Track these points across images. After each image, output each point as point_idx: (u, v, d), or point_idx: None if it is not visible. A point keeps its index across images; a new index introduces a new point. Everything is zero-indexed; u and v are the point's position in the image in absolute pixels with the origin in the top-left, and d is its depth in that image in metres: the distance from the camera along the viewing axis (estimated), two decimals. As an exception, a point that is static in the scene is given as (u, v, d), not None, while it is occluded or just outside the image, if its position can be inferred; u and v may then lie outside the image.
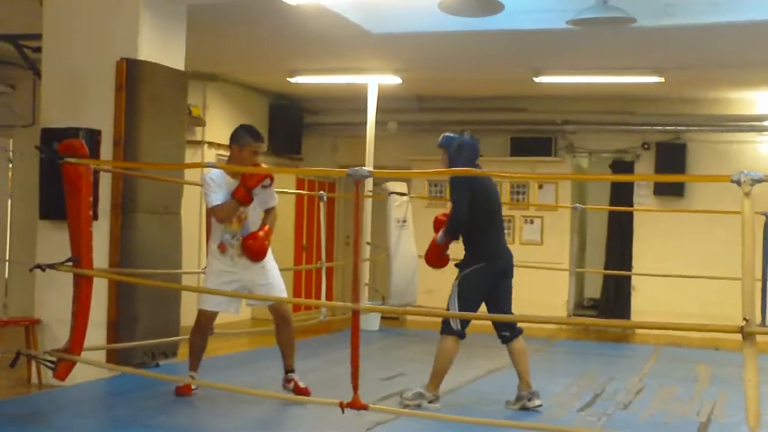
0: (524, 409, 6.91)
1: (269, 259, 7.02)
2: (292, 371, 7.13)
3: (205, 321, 7.05)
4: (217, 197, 6.75)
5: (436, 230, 7.14)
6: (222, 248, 6.89)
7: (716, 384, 8.58)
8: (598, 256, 14.51)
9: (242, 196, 6.66)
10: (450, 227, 6.94)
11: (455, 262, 7.07)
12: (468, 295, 6.82)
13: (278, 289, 7.10)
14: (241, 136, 6.97)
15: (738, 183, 4.66)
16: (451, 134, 7.15)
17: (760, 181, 4.63)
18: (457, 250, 7.09)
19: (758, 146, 13.00)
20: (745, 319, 4.61)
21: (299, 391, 6.98)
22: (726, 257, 12.14)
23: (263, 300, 7.28)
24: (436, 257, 7.20)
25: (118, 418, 6.45)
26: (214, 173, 6.86)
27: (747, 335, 4.59)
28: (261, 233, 6.92)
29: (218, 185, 6.78)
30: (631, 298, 13.41)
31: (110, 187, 7.68)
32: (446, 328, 6.81)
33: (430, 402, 6.85)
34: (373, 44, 9.95)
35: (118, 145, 7.64)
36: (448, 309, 6.93)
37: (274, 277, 7.08)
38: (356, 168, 5.49)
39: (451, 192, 6.96)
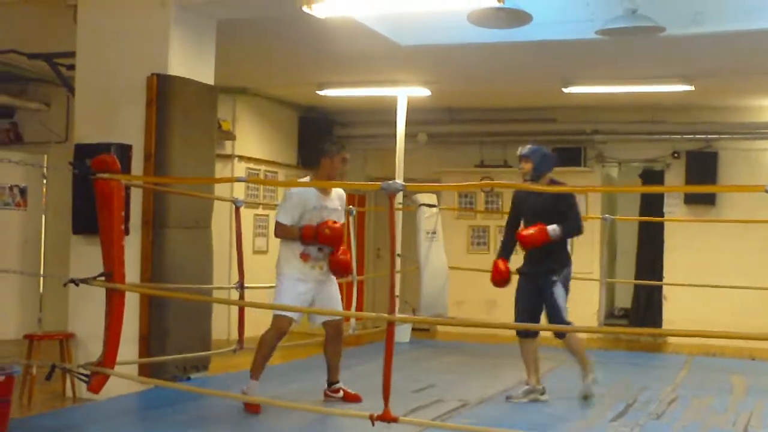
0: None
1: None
2: (338, 382, 7.49)
3: (284, 329, 7.13)
4: (288, 216, 7.05)
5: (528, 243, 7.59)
6: (305, 258, 7.09)
7: (752, 394, 8.46)
8: (628, 266, 14.45)
9: (308, 237, 6.99)
10: (572, 231, 7.67)
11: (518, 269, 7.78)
12: (567, 291, 7.65)
13: (339, 304, 7.48)
14: (328, 148, 7.25)
15: (769, 192, 4.67)
16: (535, 146, 7.76)
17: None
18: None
19: (789, 154, 12.92)
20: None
21: (350, 397, 7.41)
22: (759, 266, 12.15)
23: (332, 314, 7.39)
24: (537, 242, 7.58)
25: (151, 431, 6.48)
26: (298, 190, 7.11)
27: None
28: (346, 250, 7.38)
29: (295, 204, 7.05)
30: (662, 307, 13.33)
31: (141, 202, 7.73)
32: (527, 333, 7.68)
33: (541, 394, 7.75)
34: (402, 57, 9.98)
35: (148, 160, 7.70)
36: (558, 309, 7.49)
37: (337, 292, 7.43)
38: (389, 182, 5.50)
39: (569, 200, 7.63)
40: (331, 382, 7.50)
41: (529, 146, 7.73)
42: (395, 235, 5.94)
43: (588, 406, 7.57)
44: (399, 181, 12.02)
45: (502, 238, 8.13)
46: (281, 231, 7.10)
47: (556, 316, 7.51)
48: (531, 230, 7.52)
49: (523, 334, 7.70)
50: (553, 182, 7.81)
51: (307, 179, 7.25)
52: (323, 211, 7.14)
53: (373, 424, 5.48)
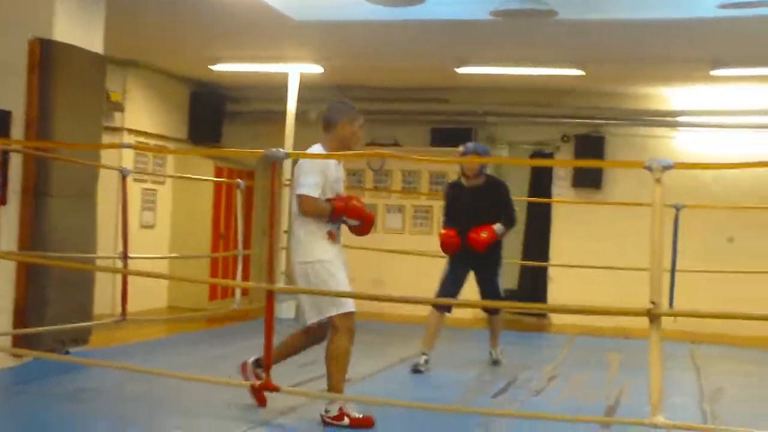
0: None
1: None
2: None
3: (354, 327, 5.90)
4: (316, 188, 5.87)
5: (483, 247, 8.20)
6: (332, 237, 5.96)
7: (625, 370, 8.76)
8: (515, 247, 14.62)
9: (341, 212, 5.95)
10: (512, 226, 8.42)
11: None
12: None
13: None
14: (348, 109, 6.14)
15: (650, 169, 4.85)
16: (479, 144, 9.04)
17: (669, 167, 4.84)
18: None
19: (673, 141, 13.24)
20: (652, 302, 4.72)
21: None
22: (642, 249, 12.32)
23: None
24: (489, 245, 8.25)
25: (21, 407, 6.25)
26: (317, 159, 6.01)
27: (653, 318, 4.70)
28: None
29: (317, 170, 5.91)
30: (547, 288, 13.56)
31: (21, 170, 7.52)
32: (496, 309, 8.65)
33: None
34: (295, 32, 9.91)
35: (30, 127, 7.49)
36: (498, 290, 8.43)
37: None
38: (273, 149, 5.51)
39: (507, 196, 8.38)
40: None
41: (474, 143, 8.48)
42: (276, 201, 5.89)
43: (490, 374, 8.16)
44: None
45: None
46: (313, 206, 5.86)
47: (495, 295, 8.37)
48: (483, 234, 8.11)
49: (443, 308, 8.31)
50: (489, 177, 8.47)
51: (318, 146, 6.08)
52: (340, 183, 6.15)
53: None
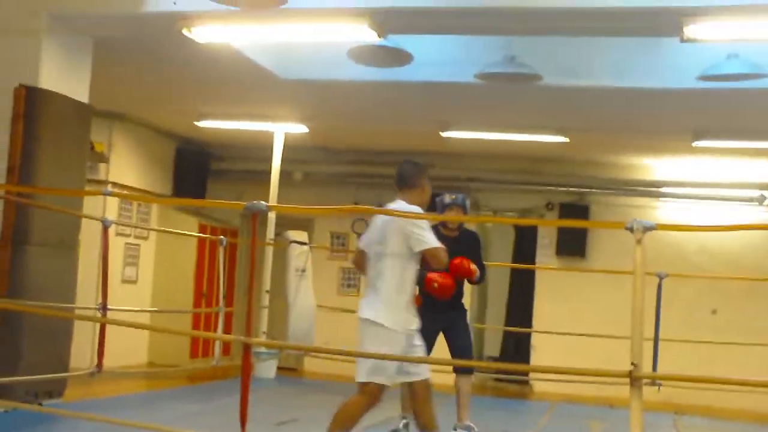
0: None
1: None
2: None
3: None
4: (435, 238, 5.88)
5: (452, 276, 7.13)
6: (418, 302, 6.08)
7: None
8: (499, 314, 14.58)
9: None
10: (484, 275, 7.60)
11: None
12: None
13: None
14: (425, 171, 6.26)
15: (631, 230, 4.83)
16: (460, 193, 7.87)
17: (651, 228, 4.82)
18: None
19: (656, 211, 13.24)
20: (633, 364, 4.67)
21: None
22: (625, 318, 12.30)
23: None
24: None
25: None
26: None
27: (634, 380, 4.64)
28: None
29: (429, 227, 5.92)
30: (530, 356, 13.47)
31: (1, 217, 7.46)
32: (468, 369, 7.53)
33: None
34: (280, 90, 9.94)
35: (12, 173, 7.44)
36: (471, 346, 7.50)
37: None
38: (254, 202, 5.50)
39: (480, 250, 7.64)
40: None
41: (462, 195, 7.70)
42: (255, 255, 5.84)
43: None
44: (271, 217, 12.08)
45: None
46: (444, 255, 5.89)
47: (468, 351, 7.43)
48: (472, 266, 7.31)
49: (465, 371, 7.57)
50: (463, 229, 7.80)
51: (401, 203, 6.02)
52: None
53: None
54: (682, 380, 5.93)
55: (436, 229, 7.86)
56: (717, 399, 11.84)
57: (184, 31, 7.49)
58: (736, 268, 12.52)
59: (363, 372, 5.69)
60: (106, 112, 11.44)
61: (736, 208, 12.93)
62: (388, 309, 5.74)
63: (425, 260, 5.90)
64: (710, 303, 12.85)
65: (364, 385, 5.68)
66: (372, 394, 5.68)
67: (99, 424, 6.86)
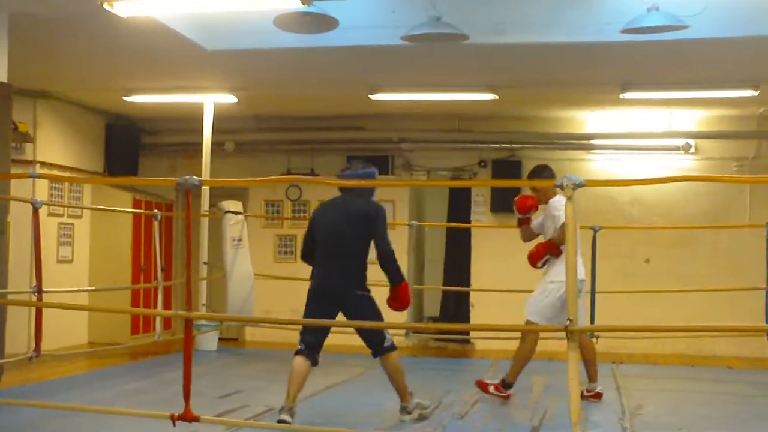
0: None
1: None
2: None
3: None
4: None
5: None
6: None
7: (550, 392, 8.80)
8: (436, 274, 14.65)
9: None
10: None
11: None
12: None
13: None
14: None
15: (561, 187, 4.90)
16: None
17: (581, 185, 4.87)
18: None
19: (589, 164, 13.38)
20: (568, 319, 4.76)
21: None
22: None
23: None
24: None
25: None
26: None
27: (570, 334, 4.73)
28: None
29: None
30: (470, 314, 13.58)
31: None
32: (388, 347, 7.05)
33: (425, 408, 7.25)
34: (208, 61, 9.82)
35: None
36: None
37: None
38: (186, 177, 5.46)
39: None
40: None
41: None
42: (191, 230, 5.81)
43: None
44: (205, 189, 12.03)
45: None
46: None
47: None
48: None
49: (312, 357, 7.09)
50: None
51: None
52: None
53: (174, 424, 5.36)
54: (616, 330, 6.07)
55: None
56: (653, 346, 12.16)
57: (106, 6, 7.37)
58: (668, 217, 12.77)
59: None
60: (28, 90, 11.26)
61: (664, 156, 13.14)
62: (556, 268, 8.13)
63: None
64: (644, 253, 13.08)
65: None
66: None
67: (38, 409, 6.80)
